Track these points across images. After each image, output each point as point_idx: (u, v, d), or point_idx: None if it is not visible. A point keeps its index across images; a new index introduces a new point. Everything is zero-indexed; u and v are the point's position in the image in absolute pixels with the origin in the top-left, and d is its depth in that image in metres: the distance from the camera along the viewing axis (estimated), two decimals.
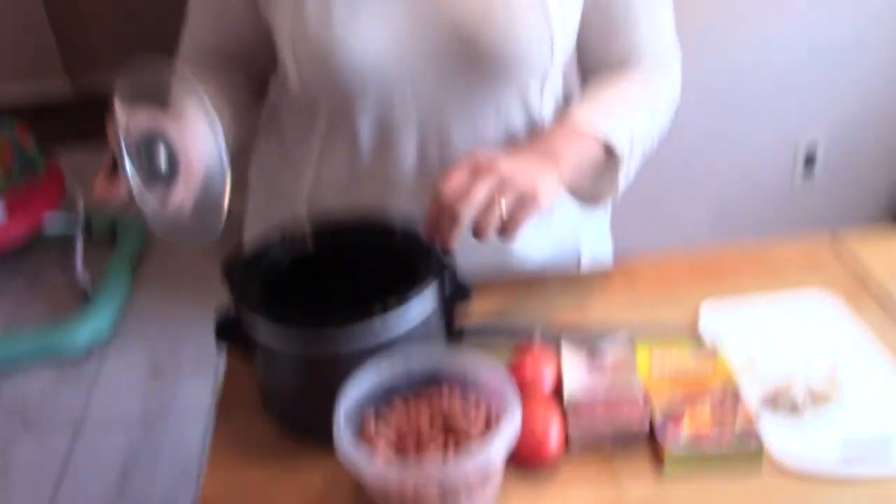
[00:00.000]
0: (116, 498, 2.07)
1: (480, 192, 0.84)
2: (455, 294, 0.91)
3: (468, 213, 0.84)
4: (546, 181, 0.89)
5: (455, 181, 0.85)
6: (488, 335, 1.02)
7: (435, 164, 1.04)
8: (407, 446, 0.80)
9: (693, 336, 0.99)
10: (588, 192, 1.03)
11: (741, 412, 0.85)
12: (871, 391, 0.89)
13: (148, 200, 0.85)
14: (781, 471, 0.82)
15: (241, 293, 0.88)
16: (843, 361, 0.93)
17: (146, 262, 2.97)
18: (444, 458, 0.77)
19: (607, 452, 0.86)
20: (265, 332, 0.86)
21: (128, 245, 2.92)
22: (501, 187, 0.85)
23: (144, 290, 2.83)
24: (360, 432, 0.81)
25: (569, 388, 0.90)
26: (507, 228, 0.86)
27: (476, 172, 0.86)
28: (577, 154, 0.96)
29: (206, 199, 0.91)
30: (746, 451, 0.82)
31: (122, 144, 0.81)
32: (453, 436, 0.80)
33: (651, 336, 0.99)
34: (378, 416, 0.83)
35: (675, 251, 1.15)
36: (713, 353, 0.93)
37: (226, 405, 0.97)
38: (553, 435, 0.84)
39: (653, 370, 0.91)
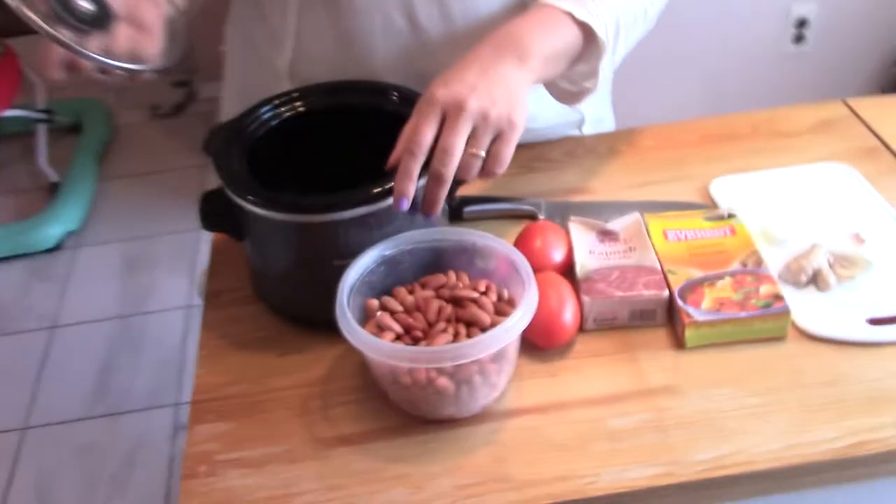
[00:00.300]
0: (98, 394, 2.03)
1: (456, 144, 0.75)
2: None
3: (450, 172, 0.75)
4: (518, 93, 0.78)
5: (425, 134, 0.75)
6: (490, 211, 0.97)
7: (427, 25, 0.95)
8: (416, 338, 0.74)
9: (708, 206, 0.94)
10: (565, 85, 0.94)
11: (765, 278, 0.81)
12: (891, 258, 0.85)
13: (92, 50, 0.76)
14: (807, 337, 0.79)
15: (226, 164, 0.81)
16: (865, 231, 0.88)
17: (113, 152, 2.85)
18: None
19: (624, 328, 0.82)
20: (255, 203, 0.78)
21: (93, 134, 2.79)
22: (477, 131, 0.76)
23: (113, 182, 2.73)
24: (364, 324, 0.75)
25: (581, 263, 0.85)
26: (490, 167, 0.77)
27: (445, 117, 0.76)
28: (552, 44, 0.83)
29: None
30: (772, 317, 0.78)
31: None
32: (464, 326, 0.75)
33: (663, 209, 0.94)
34: (382, 307, 0.77)
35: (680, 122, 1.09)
36: (729, 219, 0.88)
37: (214, 293, 0.92)
38: (568, 312, 0.79)
39: (668, 238, 0.87)
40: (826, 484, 0.71)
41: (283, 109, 0.89)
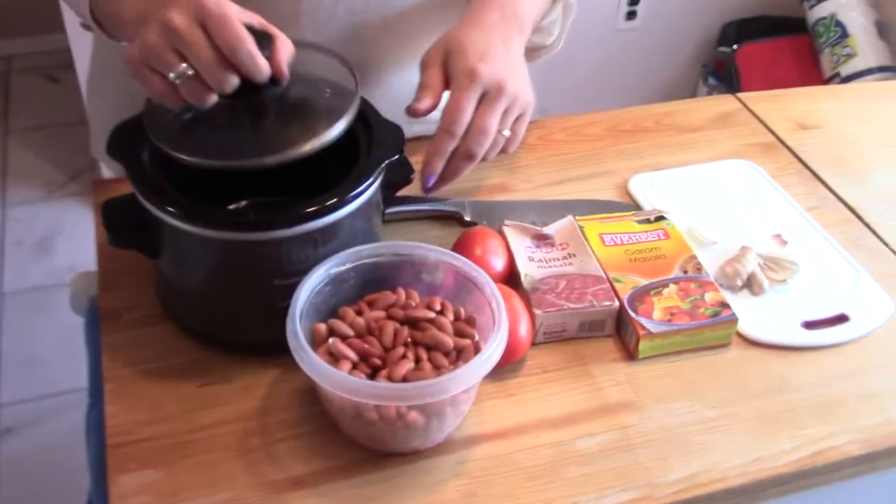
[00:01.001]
0: None
1: (493, 125, 0.78)
2: (398, 176, 0.78)
3: (483, 152, 0.79)
4: (525, 70, 0.82)
5: (466, 113, 0.77)
6: (412, 212, 0.91)
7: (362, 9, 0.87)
8: (374, 366, 0.68)
9: (633, 208, 0.93)
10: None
11: (708, 285, 0.81)
12: (815, 259, 0.87)
13: None
14: (747, 342, 0.80)
15: (139, 168, 0.71)
16: (785, 232, 0.90)
17: None
18: (431, 375, 0.67)
19: (571, 339, 0.79)
20: (184, 218, 0.69)
21: None
22: (509, 111, 0.79)
23: None
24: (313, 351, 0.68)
25: (524, 272, 0.81)
26: (508, 147, 0.82)
27: (485, 97, 0.78)
28: (537, 10, 0.87)
29: None
30: (720, 325, 0.78)
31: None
32: (424, 349, 0.69)
33: (589, 210, 0.92)
34: (331, 331, 0.70)
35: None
36: (660, 222, 0.87)
37: (111, 312, 0.80)
38: (523, 328, 0.75)
39: (605, 243, 0.85)
40: (788, 493, 0.72)
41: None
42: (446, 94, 0.80)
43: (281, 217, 0.68)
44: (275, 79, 0.69)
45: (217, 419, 0.72)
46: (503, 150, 0.82)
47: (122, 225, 0.73)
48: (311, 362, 0.64)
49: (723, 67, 2.47)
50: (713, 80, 2.53)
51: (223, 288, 0.74)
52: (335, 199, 0.69)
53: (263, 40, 0.67)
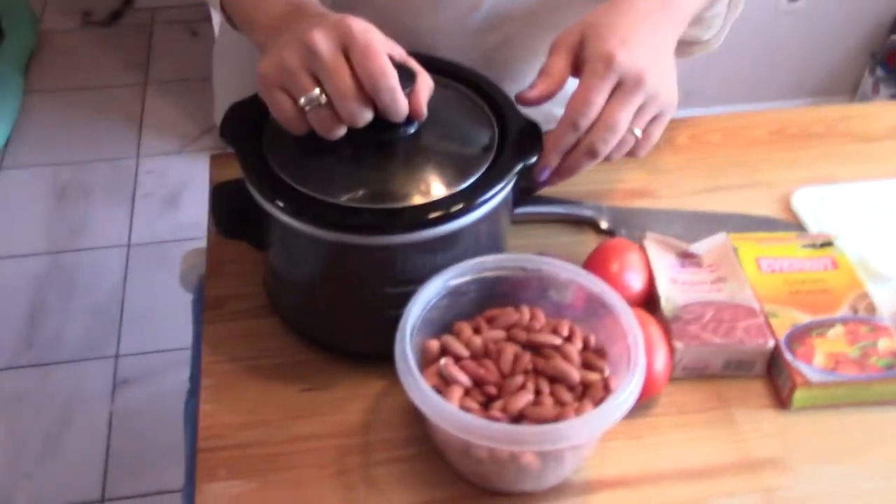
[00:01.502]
0: (25, 345, 1.83)
1: (624, 121, 0.66)
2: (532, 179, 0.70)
3: (608, 150, 0.66)
4: (674, 70, 0.70)
5: (596, 105, 0.65)
6: (543, 214, 0.83)
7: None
8: (488, 395, 0.61)
9: (796, 228, 0.82)
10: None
11: (882, 330, 0.69)
12: None
13: None
14: None
15: (252, 157, 0.65)
16: None
17: (38, 62, 2.57)
18: (552, 411, 0.59)
19: (714, 377, 0.70)
20: (297, 216, 0.63)
21: (16, 43, 2.50)
22: (644, 109, 0.67)
23: (39, 96, 2.46)
24: (422, 371, 0.61)
25: (666, 296, 0.72)
26: (637, 150, 0.69)
27: (620, 88, 0.65)
28: (699, 5, 0.75)
29: None
30: (894, 380, 0.67)
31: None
32: (545, 380, 0.61)
33: (744, 227, 0.81)
34: (443, 349, 0.63)
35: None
36: (828, 248, 0.76)
37: (215, 300, 0.76)
38: (660, 362, 0.66)
39: (761, 269, 0.74)
40: None
41: None
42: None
43: (399, 221, 0.61)
44: (410, 118, 0.63)
45: (316, 431, 0.66)
46: (631, 153, 0.69)
47: (230, 213, 0.68)
48: (420, 391, 0.57)
49: (894, 58, 2.25)
50: (881, 72, 2.31)
51: (330, 291, 0.67)
52: (462, 205, 0.62)
53: (405, 76, 0.61)
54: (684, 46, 0.82)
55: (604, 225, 0.82)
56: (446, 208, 0.62)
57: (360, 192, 0.63)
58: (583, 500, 0.62)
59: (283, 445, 0.65)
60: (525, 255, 0.66)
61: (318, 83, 0.60)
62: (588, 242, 0.79)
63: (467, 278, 0.65)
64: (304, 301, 0.70)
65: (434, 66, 0.70)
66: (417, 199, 0.62)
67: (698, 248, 0.76)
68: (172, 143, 2.37)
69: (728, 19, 0.83)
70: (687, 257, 0.76)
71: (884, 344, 0.68)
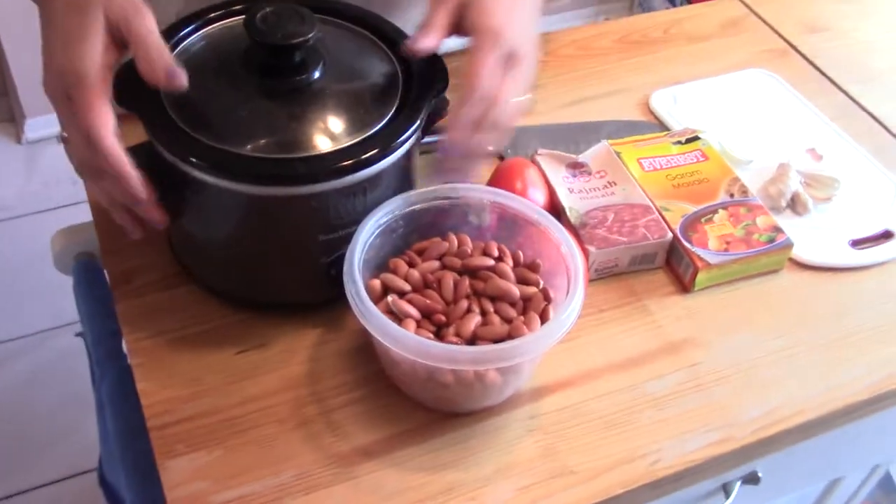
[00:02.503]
0: None
1: (510, 94, 0.65)
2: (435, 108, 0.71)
3: (508, 122, 0.66)
4: (534, 37, 0.69)
5: (497, 79, 0.64)
6: (434, 148, 0.84)
7: None
8: (438, 323, 0.63)
9: (660, 127, 0.89)
10: None
11: (757, 209, 0.77)
12: (852, 173, 0.85)
13: None
14: (797, 265, 0.77)
15: (154, 116, 0.62)
16: (819, 146, 0.87)
17: None
18: (502, 328, 0.62)
19: (622, 273, 0.75)
20: (216, 173, 0.61)
21: None
22: (518, 77, 0.66)
23: None
24: None
25: (569, 206, 0.76)
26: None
27: (506, 60, 0.64)
28: None
29: None
30: (776, 251, 0.75)
31: None
32: (489, 301, 0.64)
33: (617, 131, 0.87)
34: (385, 286, 0.64)
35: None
36: (695, 142, 0.83)
37: (121, 276, 0.72)
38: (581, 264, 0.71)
39: (644, 169, 0.80)
40: (861, 417, 0.70)
41: (207, 30, 0.69)
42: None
43: (330, 166, 0.61)
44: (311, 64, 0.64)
45: (264, 389, 0.66)
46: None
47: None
48: (385, 328, 0.58)
49: None
50: None
51: (261, 247, 0.66)
52: (386, 144, 0.62)
53: None
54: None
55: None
56: (372, 149, 0.62)
57: (282, 142, 0.62)
58: (536, 406, 0.66)
59: (235, 409, 0.64)
60: (448, 186, 0.68)
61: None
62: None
63: (396, 214, 0.66)
64: (230, 262, 0.68)
65: (322, 8, 0.69)
66: (341, 143, 0.62)
67: (585, 157, 0.81)
68: None
69: None
70: (577, 167, 0.80)
71: (762, 220, 0.76)
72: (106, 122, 0.57)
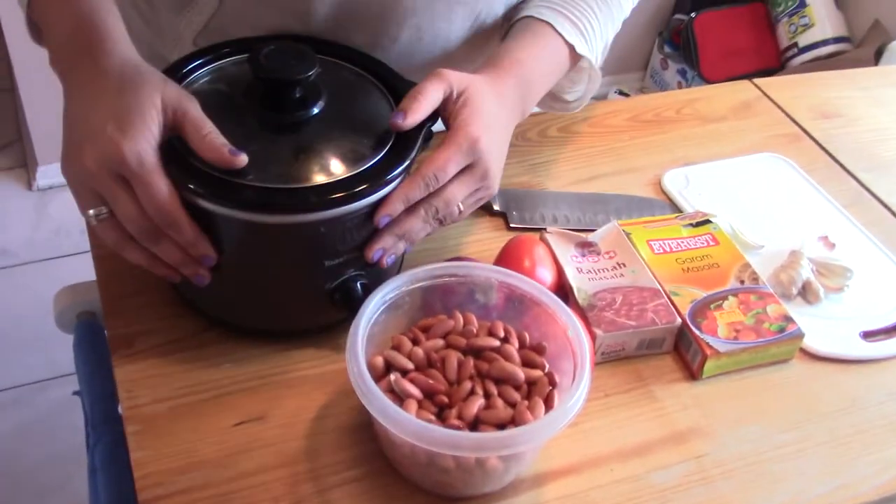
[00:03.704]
0: None
1: (460, 199, 0.69)
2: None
3: (441, 217, 0.69)
4: (502, 161, 0.73)
5: (449, 174, 0.67)
6: None
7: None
8: (440, 404, 0.61)
9: (671, 206, 0.88)
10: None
11: (768, 297, 0.76)
12: (864, 263, 0.84)
13: None
14: (808, 355, 0.76)
15: (165, 149, 0.63)
16: (832, 234, 0.87)
17: None
18: (505, 412, 0.60)
19: (629, 357, 0.74)
20: (226, 202, 0.63)
21: None
22: (477, 192, 0.71)
23: None
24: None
25: (577, 286, 0.75)
26: (450, 220, 0.71)
27: (469, 170, 0.69)
28: (548, 87, 0.81)
29: None
30: (786, 342, 0.74)
31: None
32: (492, 383, 0.63)
33: (626, 206, 0.87)
34: (388, 364, 0.63)
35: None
36: (706, 226, 0.82)
37: (122, 339, 0.71)
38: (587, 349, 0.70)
39: (654, 251, 0.79)
40: None
41: (213, 66, 0.72)
42: None
43: (342, 193, 0.63)
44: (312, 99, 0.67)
45: (260, 464, 0.64)
46: (440, 222, 0.70)
47: None
48: (386, 411, 0.57)
49: (679, 36, 2.44)
50: (669, 49, 2.50)
51: (269, 274, 0.68)
52: (397, 169, 0.65)
53: None
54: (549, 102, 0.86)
55: (497, 207, 0.85)
56: (378, 175, 0.65)
57: (286, 173, 0.64)
58: (538, 493, 0.64)
59: (228, 484, 0.63)
60: (453, 263, 0.68)
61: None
62: (481, 225, 0.84)
63: (403, 290, 0.65)
64: (239, 290, 0.70)
65: (322, 49, 0.72)
66: (344, 172, 0.65)
67: (594, 237, 0.81)
68: None
69: (588, 91, 0.86)
70: (586, 246, 0.80)
71: (772, 309, 0.75)
72: (173, 192, 0.61)
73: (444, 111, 0.70)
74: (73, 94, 0.63)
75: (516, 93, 0.75)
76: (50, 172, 2.12)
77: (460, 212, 0.70)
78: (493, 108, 0.71)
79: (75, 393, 0.88)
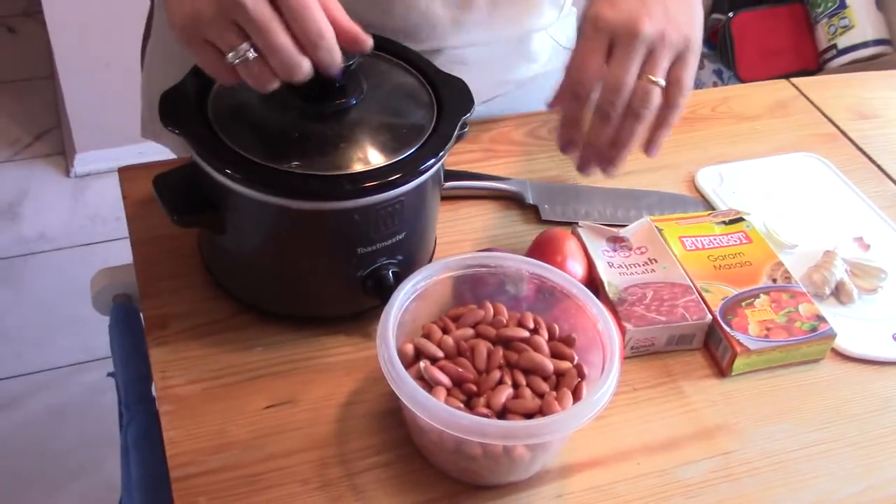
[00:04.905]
0: None
1: (626, 77, 0.63)
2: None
3: (616, 109, 0.64)
4: (693, 4, 0.66)
5: (591, 70, 0.63)
6: (470, 189, 0.86)
7: None
8: (469, 392, 0.62)
9: (704, 204, 0.88)
10: None
11: (800, 296, 0.76)
12: None
13: None
14: (839, 355, 0.76)
15: (201, 137, 0.65)
16: (867, 235, 0.86)
17: None
18: (533, 402, 0.61)
19: (658, 353, 0.74)
20: (261, 186, 0.64)
21: None
22: (654, 56, 0.64)
23: None
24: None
25: (608, 281, 0.75)
26: (671, 97, 0.66)
27: (614, 44, 0.64)
28: None
29: None
30: (817, 341, 0.73)
31: None
32: (521, 373, 0.63)
33: (658, 202, 0.87)
34: (418, 352, 0.64)
35: None
36: (739, 223, 0.82)
37: (158, 321, 0.72)
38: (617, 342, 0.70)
39: (686, 248, 0.79)
40: None
41: None
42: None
43: (377, 181, 0.64)
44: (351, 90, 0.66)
45: (289, 447, 0.65)
46: (669, 105, 0.65)
47: (181, 201, 0.66)
48: (415, 396, 0.57)
49: (716, 35, 2.41)
50: (706, 49, 2.48)
51: (303, 261, 0.69)
52: (429, 159, 0.66)
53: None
54: None
55: (529, 200, 0.85)
56: (412, 165, 0.66)
57: (325, 160, 0.65)
58: (564, 484, 0.65)
59: (259, 465, 0.64)
60: (484, 254, 0.68)
61: (245, 34, 0.56)
62: (513, 218, 0.85)
63: (434, 279, 0.66)
64: (272, 276, 0.71)
65: None
66: (383, 160, 0.65)
67: (626, 232, 0.81)
68: (2, 151, 2.21)
69: None
70: (617, 241, 0.80)
71: (805, 308, 0.75)
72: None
73: None
74: None
75: None
76: (87, 160, 2.16)
77: (666, 85, 0.65)
78: None
79: (110, 374, 0.90)
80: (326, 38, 0.58)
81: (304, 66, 0.58)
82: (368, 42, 0.61)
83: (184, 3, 0.57)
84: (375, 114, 0.69)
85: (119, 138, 2.05)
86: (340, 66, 0.61)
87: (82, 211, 2.08)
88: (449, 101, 0.72)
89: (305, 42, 0.57)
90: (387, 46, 0.76)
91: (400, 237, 0.68)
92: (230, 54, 0.57)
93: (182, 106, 0.66)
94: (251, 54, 0.57)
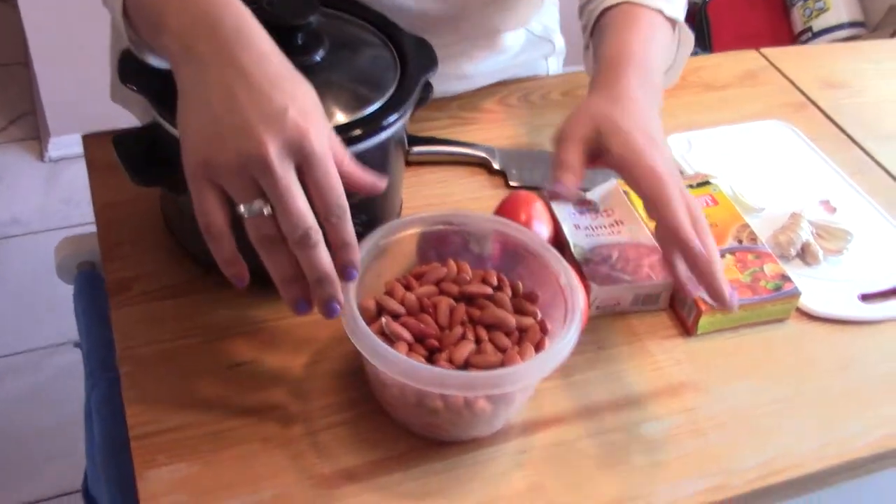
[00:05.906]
0: None
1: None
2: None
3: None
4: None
5: (688, 229, 0.67)
6: (438, 154, 0.86)
7: None
8: (430, 347, 0.62)
9: None
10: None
11: (766, 256, 0.76)
12: (865, 228, 0.84)
13: None
14: (805, 315, 0.76)
15: (159, 90, 0.63)
16: (833, 198, 0.86)
17: None
18: (495, 357, 0.61)
19: (624, 313, 0.74)
20: None
21: None
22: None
23: None
24: None
25: (574, 242, 0.75)
26: None
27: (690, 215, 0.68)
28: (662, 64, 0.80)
29: None
30: (782, 300, 0.74)
31: None
32: (483, 329, 0.63)
33: None
34: (380, 308, 0.63)
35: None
36: (706, 186, 0.82)
37: (119, 284, 0.72)
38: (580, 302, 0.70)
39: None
40: (859, 476, 0.68)
41: None
42: None
43: (339, 137, 0.61)
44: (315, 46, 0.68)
45: (251, 406, 0.64)
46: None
47: (141, 161, 0.65)
48: (375, 349, 0.57)
49: (693, 18, 2.42)
50: None
51: None
52: (391, 115, 0.66)
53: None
54: None
55: (496, 166, 0.85)
56: (375, 122, 0.66)
57: None
58: (527, 440, 0.65)
59: (220, 424, 0.63)
60: (449, 211, 0.68)
61: (262, 191, 0.54)
62: (481, 183, 0.84)
63: (396, 236, 0.65)
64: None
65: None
66: (346, 118, 0.65)
67: (593, 195, 0.80)
68: None
69: (680, 56, 0.84)
70: (584, 204, 0.80)
71: (769, 268, 0.75)
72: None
73: (604, 156, 0.70)
74: (208, 77, 0.56)
75: (639, 81, 0.73)
76: (61, 144, 2.14)
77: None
78: (633, 119, 0.70)
79: (76, 345, 0.89)
80: (343, 209, 0.56)
81: (313, 236, 0.56)
82: (383, 185, 0.61)
83: (202, 147, 0.55)
84: (338, 72, 0.69)
85: (93, 123, 2.03)
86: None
87: (56, 195, 2.06)
88: (413, 60, 0.72)
89: (322, 211, 0.56)
90: (352, 9, 0.75)
91: (363, 196, 0.68)
92: (242, 206, 0.55)
93: (142, 64, 0.65)
94: (266, 210, 0.55)
